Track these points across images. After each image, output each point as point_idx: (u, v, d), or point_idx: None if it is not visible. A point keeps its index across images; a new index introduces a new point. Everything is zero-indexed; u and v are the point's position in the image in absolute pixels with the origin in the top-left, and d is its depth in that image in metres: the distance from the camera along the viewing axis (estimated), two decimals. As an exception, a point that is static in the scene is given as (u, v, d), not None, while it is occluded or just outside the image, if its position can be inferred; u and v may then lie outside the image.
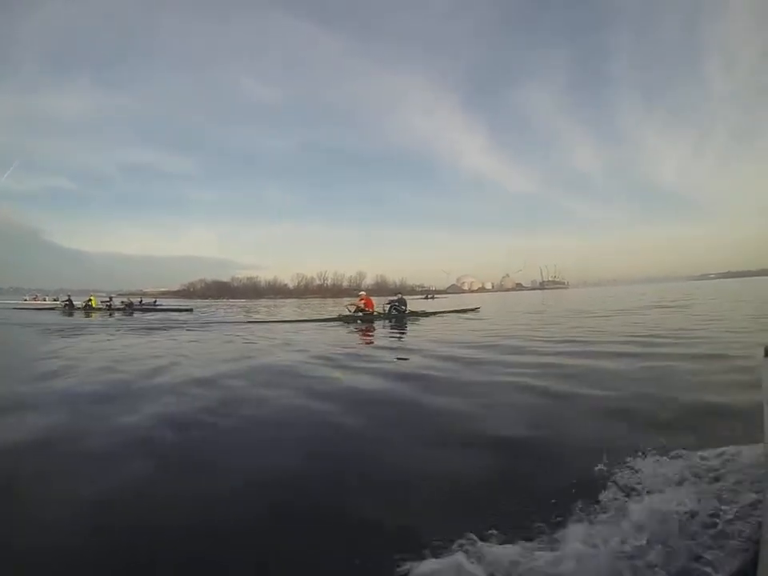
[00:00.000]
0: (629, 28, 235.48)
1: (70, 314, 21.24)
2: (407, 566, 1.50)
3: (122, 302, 24.35)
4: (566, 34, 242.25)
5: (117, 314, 20.79)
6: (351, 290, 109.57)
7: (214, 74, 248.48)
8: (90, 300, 24.11)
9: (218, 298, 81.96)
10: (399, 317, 14.14)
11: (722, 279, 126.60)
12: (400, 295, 15.53)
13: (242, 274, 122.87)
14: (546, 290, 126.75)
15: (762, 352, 1.74)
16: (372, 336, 9.90)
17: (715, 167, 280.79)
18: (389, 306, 14.58)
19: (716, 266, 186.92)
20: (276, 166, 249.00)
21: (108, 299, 24.85)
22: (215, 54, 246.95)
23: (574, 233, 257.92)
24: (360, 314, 13.96)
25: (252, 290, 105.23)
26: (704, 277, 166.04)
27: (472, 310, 17.91)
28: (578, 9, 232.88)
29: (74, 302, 24.79)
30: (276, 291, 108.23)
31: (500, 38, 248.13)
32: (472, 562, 1.47)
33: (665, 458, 2.12)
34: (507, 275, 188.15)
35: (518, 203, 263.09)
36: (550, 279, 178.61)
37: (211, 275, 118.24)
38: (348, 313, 14.06)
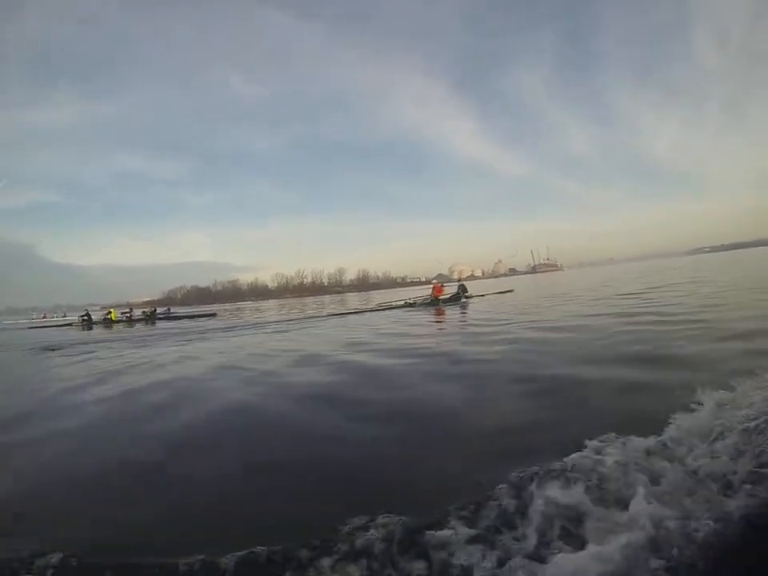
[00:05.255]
0: (616, 4, 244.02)
1: (90, 329, 22.98)
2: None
3: (143, 311, 28.09)
4: (552, 12, 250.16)
5: (138, 325, 22.91)
6: (330, 288, 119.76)
7: (199, 76, 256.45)
8: (110, 313, 26.85)
9: (200, 303, 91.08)
10: (461, 299, 19.10)
11: (716, 252, 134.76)
12: (462, 283, 20.61)
13: (239, 277, 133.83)
14: (537, 273, 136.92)
15: None
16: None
17: (708, 141, 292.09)
18: (457, 292, 19.42)
19: (710, 240, 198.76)
20: (267, 165, 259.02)
21: (128, 311, 27.78)
22: (198, 54, 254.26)
23: (569, 214, 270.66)
24: (431, 299, 18.76)
25: (235, 293, 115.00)
26: (698, 251, 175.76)
27: (509, 291, 23.83)
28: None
29: (92, 317, 26.91)
30: (257, 293, 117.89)
31: (485, 20, 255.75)
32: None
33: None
34: (500, 261, 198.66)
35: (510, 188, 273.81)
36: (542, 262, 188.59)
37: (208, 280, 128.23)
38: (414, 300, 19.21)
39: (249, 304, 68.66)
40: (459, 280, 33.61)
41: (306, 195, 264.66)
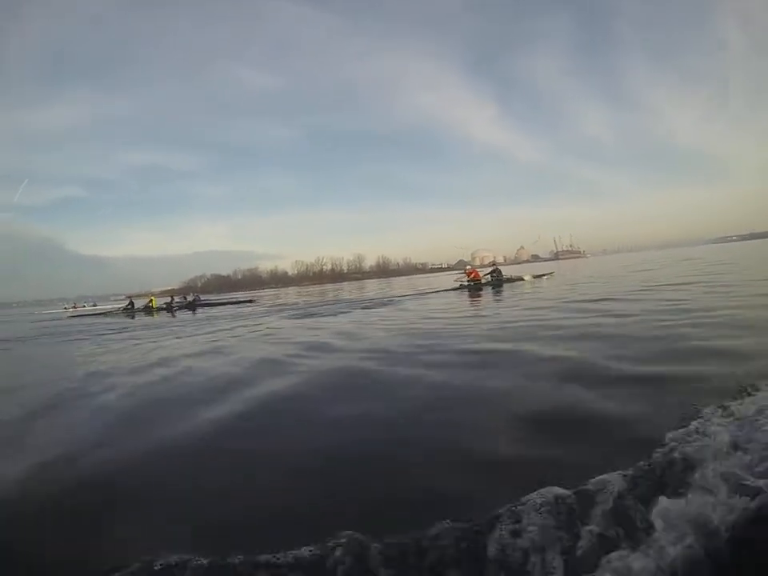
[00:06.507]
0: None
1: (132, 317, 23.03)
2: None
3: (179, 300, 27.84)
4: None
5: (179, 313, 22.88)
6: (350, 275, 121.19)
7: (210, 68, 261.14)
8: (151, 302, 26.22)
9: (219, 292, 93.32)
10: (498, 283, 19.32)
11: (744, 241, 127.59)
12: (496, 266, 20.91)
13: (261, 264, 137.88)
14: (560, 260, 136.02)
15: None
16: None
17: (732, 123, 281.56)
18: (489, 276, 19.73)
19: (738, 228, 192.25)
20: (283, 154, 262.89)
21: (170, 298, 27.47)
22: (209, 47, 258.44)
23: (591, 201, 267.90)
24: (471, 283, 18.89)
25: (255, 281, 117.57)
26: (724, 239, 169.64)
27: (549, 274, 23.46)
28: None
29: (135, 305, 26.72)
30: (277, 280, 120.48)
31: (499, 4, 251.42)
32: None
33: None
34: (522, 247, 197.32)
35: (530, 174, 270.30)
36: (565, 249, 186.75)
37: (228, 269, 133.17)
38: (462, 283, 19.17)
39: (270, 291, 70.24)
40: (482, 265, 34.51)
41: (324, 183, 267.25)
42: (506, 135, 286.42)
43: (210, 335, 10.23)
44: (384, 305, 14.91)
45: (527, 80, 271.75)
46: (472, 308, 12.07)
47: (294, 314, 14.43)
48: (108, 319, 22.56)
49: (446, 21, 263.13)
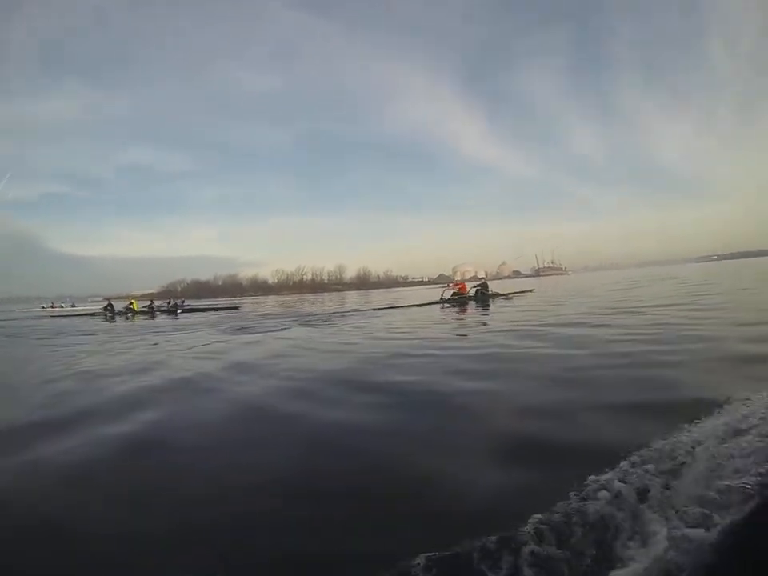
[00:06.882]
0: (628, 7, 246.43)
1: (112, 319, 22.66)
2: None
3: (160, 304, 27.75)
4: (563, 14, 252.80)
5: (161, 316, 22.85)
6: (330, 285, 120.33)
7: (207, 69, 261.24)
8: (132, 304, 26.08)
9: (198, 298, 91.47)
10: (484, 298, 19.27)
11: (725, 261, 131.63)
12: (484, 280, 21.61)
13: (247, 271, 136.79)
14: (541, 277, 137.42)
15: None
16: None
17: (719, 147, 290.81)
18: (475, 290, 19.86)
19: (720, 247, 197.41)
20: (275, 159, 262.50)
21: (150, 302, 27.28)
22: (207, 48, 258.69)
23: (576, 218, 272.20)
24: (457, 297, 19.09)
25: (235, 288, 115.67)
26: (705, 258, 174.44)
27: (529, 291, 23.94)
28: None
29: (114, 307, 26.28)
30: (257, 288, 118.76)
31: (494, 20, 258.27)
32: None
33: None
34: (504, 263, 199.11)
35: (517, 189, 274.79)
36: (547, 265, 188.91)
37: (210, 274, 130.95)
38: (447, 297, 19.16)
39: (249, 299, 69.00)
40: (463, 280, 34.53)
41: (310, 190, 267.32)
42: (495, 150, 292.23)
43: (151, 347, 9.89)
44: (341, 320, 14.48)
45: (521, 96, 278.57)
46: (428, 328, 11.37)
47: (244, 327, 13.70)
48: (80, 320, 22.29)
49: (442, 36, 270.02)
